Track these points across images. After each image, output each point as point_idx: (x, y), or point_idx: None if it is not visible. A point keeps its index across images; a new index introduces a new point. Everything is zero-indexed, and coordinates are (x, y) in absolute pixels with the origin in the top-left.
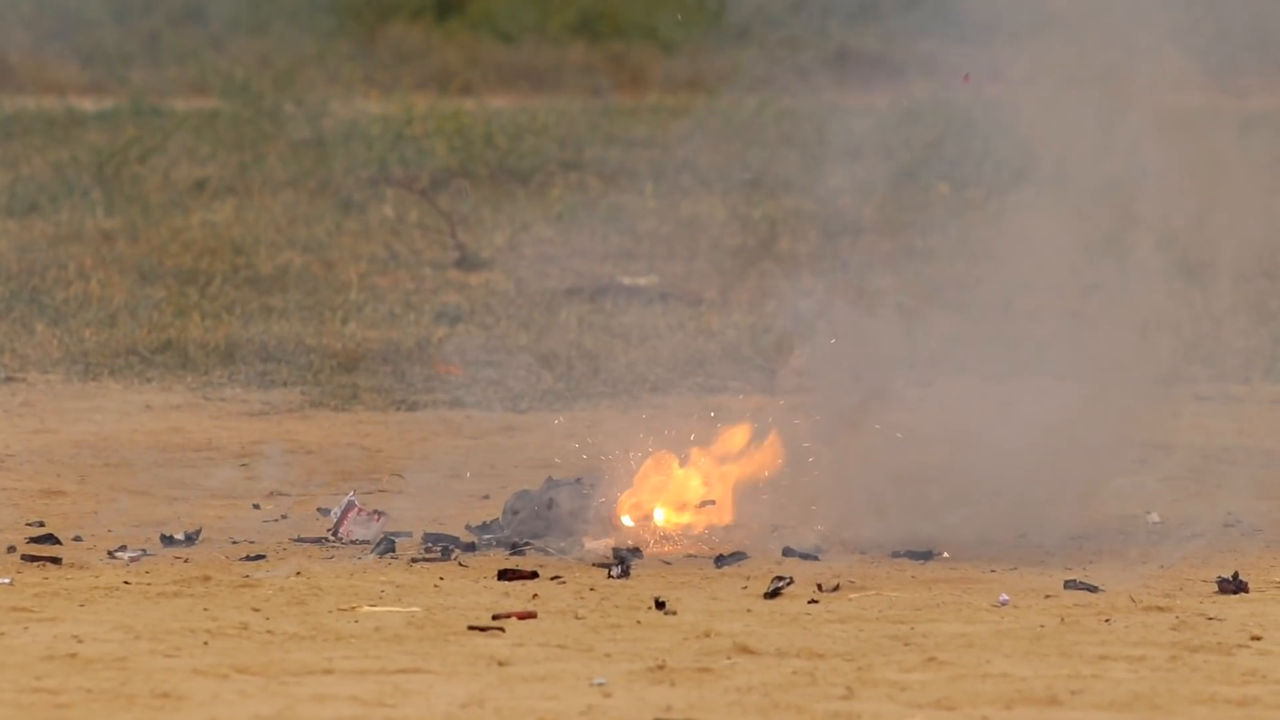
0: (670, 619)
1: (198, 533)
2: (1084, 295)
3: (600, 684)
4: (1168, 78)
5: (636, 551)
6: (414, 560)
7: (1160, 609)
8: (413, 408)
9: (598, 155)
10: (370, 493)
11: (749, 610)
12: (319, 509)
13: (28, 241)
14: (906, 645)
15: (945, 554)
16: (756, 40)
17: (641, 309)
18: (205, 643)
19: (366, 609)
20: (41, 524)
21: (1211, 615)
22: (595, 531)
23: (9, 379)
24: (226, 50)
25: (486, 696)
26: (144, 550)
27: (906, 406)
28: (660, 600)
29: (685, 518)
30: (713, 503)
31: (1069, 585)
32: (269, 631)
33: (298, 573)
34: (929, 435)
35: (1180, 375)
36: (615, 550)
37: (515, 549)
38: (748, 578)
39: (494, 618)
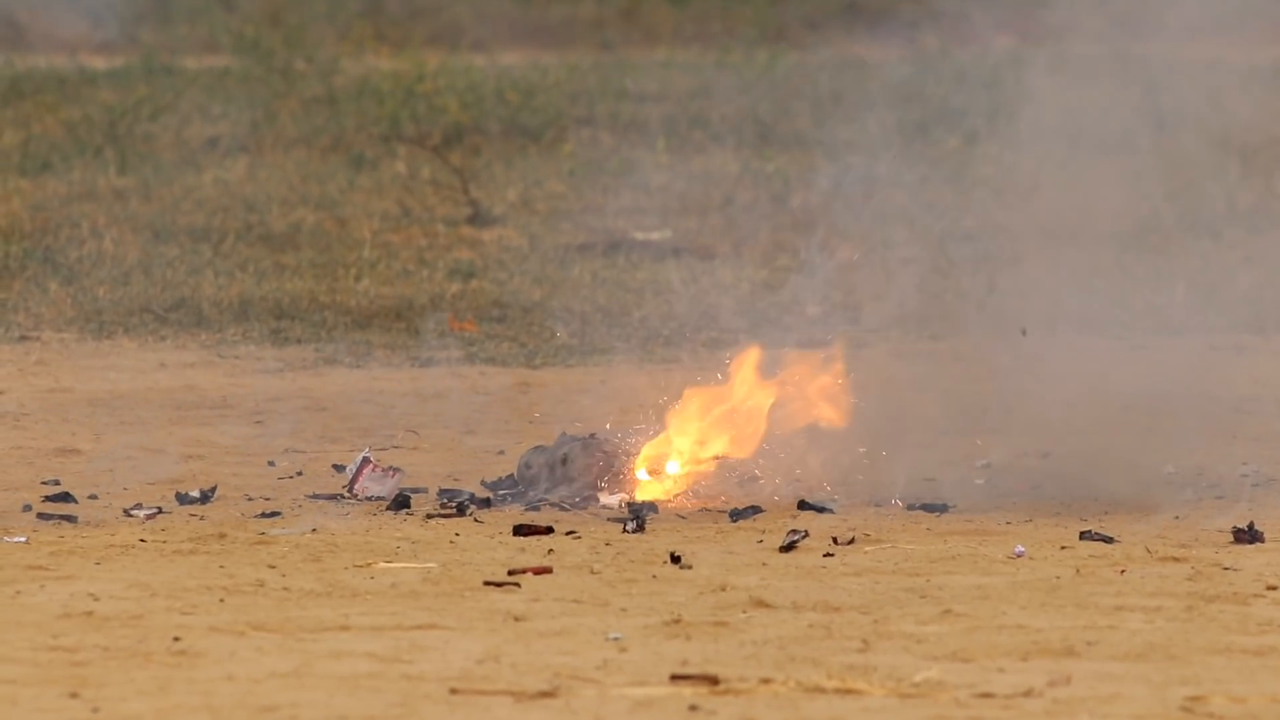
0: (686, 573)
1: (213, 490)
2: (1097, 247)
3: (616, 638)
4: (1181, 29)
5: (651, 506)
6: (429, 516)
7: (1176, 559)
8: (427, 364)
9: (609, 110)
10: (385, 449)
11: (764, 564)
12: (334, 466)
13: (41, 200)
14: (922, 598)
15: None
16: None
17: (654, 264)
18: (221, 600)
19: (382, 565)
20: (57, 482)
21: (1227, 565)
22: (610, 486)
23: (23, 338)
24: (237, 8)
25: (502, 651)
26: (159, 508)
27: (921, 360)
28: (676, 554)
29: (700, 468)
30: (724, 457)
31: (1084, 536)
32: (285, 588)
33: (313, 529)
34: (947, 388)
35: (1194, 326)
36: (630, 505)
37: (530, 504)
38: (763, 531)
39: (509, 573)
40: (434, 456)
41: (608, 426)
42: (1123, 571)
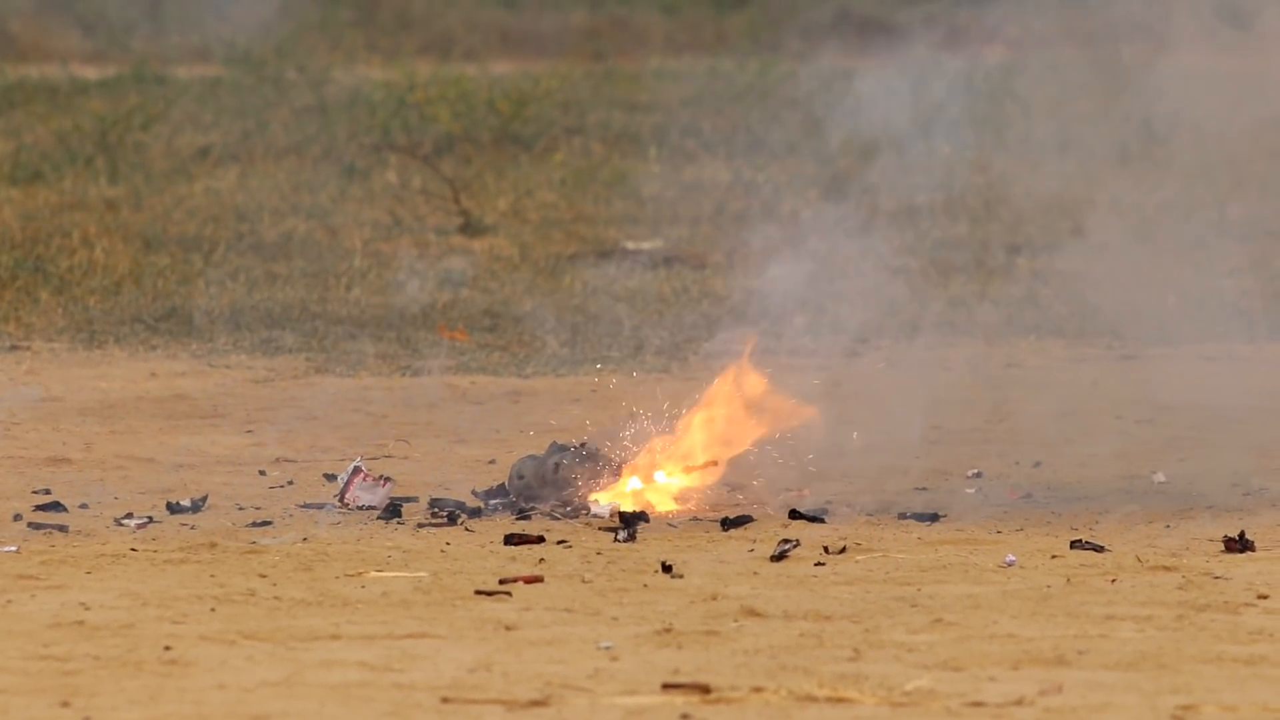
0: (677, 582)
1: (204, 499)
2: (1090, 255)
3: (607, 647)
4: (1173, 33)
5: (642, 515)
6: (420, 525)
7: (1167, 568)
8: (418, 373)
9: (601, 120)
10: (376, 458)
11: (756, 573)
12: (325, 475)
13: (32, 210)
14: (913, 607)
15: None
16: (758, 3)
17: (646, 273)
18: (212, 609)
19: (373, 574)
20: (48, 491)
21: (1218, 574)
22: (601, 495)
23: (14, 347)
24: (229, 17)
25: (494, 660)
26: (150, 517)
27: (909, 368)
28: (667, 564)
29: (689, 479)
30: (715, 464)
31: (1075, 545)
32: (276, 598)
33: (304, 539)
34: (938, 399)
35: (1186, 335)
36: (621, 514)
37: (521, 514)
38: (754, 540)
39: (501, 582)
40: (425, 466)
41: (599, 436)
42: (1114, 580)
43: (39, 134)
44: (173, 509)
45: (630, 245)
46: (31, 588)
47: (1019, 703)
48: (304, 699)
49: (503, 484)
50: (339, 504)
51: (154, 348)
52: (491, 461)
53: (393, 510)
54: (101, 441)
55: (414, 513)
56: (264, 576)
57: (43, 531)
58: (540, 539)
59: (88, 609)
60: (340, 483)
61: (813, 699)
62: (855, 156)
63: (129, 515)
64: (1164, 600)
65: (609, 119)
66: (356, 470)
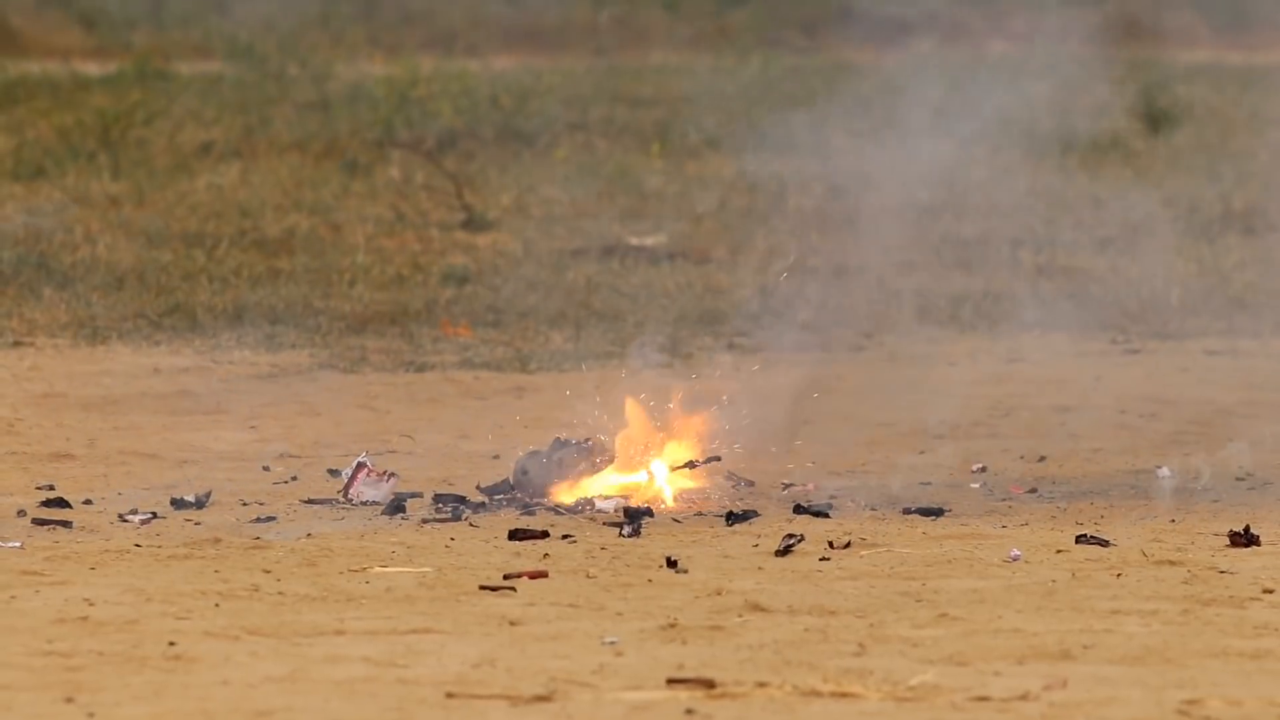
0: (681, 577)
1: (208, 495)
2: (1093, 251)
3: (612, 643)
4: (1176, 32)
5: (647, 510)
6: (424, 521)
7: (1172, 563)
8: (421, 369)
9: (603, 115)
10: (380, 454)
11: (760, 568)
12: (329, 470)
13: (34, 206)
14: (918, 601)
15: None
16: None
17: (649, 268)
18: (216, 605)
19: (377, 570)
20: (52, 487)
21: (1223, 569)
22: (604, 490)
23: (17, 343)
24: (230, 13)
25: (498, 656)
26: (154, 513)
27: (915, 363)
28: (671, 559)
29: (689, 474)
30: (718, 459)
31: (1080, 540)
32: (280, 593)
33: (308, 534)
34: (936, 390)
35: (1190, 330)
36: (626, 509)
37: (526, 509)
38: (759, 535)
39: (505, 577)
40: (429, 461)
41: (602, 432)
42: (1119, 575)
43: (41, 130)
44: (176, 505)
45: (633, 241)
46: (35, 583)
47: (1024, 697)
48: (308, 695)
49: (507, 479)
50: (343, 500)
51: (157, 343)
52: (495, 457)
53: (397, 506)
54: (105, 437)
55: (418, 508)
56: (268, 572)
57: (46, 527)
58: (544, 534)
59: (92, 605)
60: (344, 478)
61: (817, 694)
62: (862, 152)
63: (133, 511)
64: (1169, 595)
65: (612, 114)
66: (360, 466)
